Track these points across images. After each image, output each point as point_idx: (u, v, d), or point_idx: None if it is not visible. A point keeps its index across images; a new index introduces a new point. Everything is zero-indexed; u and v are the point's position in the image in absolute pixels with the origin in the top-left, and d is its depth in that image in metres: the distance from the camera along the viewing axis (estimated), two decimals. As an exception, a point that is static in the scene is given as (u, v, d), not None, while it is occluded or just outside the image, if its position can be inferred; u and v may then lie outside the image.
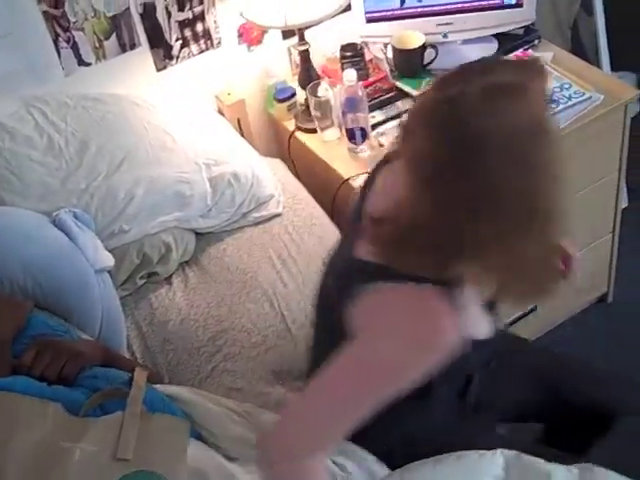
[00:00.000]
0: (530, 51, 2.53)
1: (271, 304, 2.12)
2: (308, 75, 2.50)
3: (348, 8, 2.48)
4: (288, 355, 1.99)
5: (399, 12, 2.58)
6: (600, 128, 2.34)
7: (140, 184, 2.20)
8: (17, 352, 1.59)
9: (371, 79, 2.52)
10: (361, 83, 2.37)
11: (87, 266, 1.99)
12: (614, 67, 3.15)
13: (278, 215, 2.36)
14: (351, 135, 2.36)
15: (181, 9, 2.46)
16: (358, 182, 2.27)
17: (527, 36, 2.56)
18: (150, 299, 2.17)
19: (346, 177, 2.32)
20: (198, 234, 2.30)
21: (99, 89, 2.38)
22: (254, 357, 2.00)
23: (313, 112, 2.43)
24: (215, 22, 2.53)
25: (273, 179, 2.41)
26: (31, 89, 2.33)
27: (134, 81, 2.46)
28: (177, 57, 2.52)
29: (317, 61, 2.56)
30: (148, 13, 2.42)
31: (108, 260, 2.08)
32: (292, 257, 2.24)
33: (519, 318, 2.62)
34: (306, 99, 2.49)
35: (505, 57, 2.38)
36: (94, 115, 2.30)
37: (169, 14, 2.45)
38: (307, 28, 2.44)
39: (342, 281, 1.42)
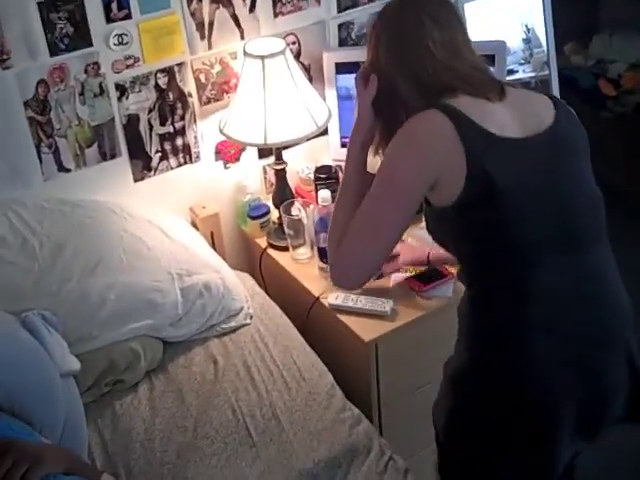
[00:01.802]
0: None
1: (233, 411, 2.10)
2: (282, 194, 2.56)
3: (326, 132, 2.58)
4: (249, 462, 1.97)
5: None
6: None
7: (113, 290, 2.21)
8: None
9: (344, 201, 2.58)
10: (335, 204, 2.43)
11: (53, 369, 1.96)
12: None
13: (246, 325, 2.37)
14: (323, 255, 2.40)
15: (163, 123, 2.54)
16: (329, 300, 2.31)
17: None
18: (114, 406, 2.13)
19: (317, 295, 2.35)
20: (167, 342, 2.29)
21: (77, 195, 2.42)
22: (214, 465, 1.97)
23: (286, 230, 2.48)
24: (195, 138, 2.61)
25: (243, 292, 2.43)
26: (10, 191, 2.36)
27: (112, 190, 2.50)
28: (155, 169, 2.58)
29: (291, 181, 2.63)
30: (131, 125, 2.49)
31: (74, 364, 2.06)
32: (256, 365, 2.23)
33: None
34: (279, 217, 2.54)
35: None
36: (71, 219, 2.33)
37: (151, 127, 2.52)
38: (285, 148, 2.52)
39: None
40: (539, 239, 1.64)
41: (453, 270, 2.32)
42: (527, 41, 3.23)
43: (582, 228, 1.69)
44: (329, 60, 2.64)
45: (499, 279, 1.68)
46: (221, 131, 2.50)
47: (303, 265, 2.49)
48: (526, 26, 3.21)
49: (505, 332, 1.69)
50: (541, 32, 3.21)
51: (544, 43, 3.20)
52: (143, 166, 2.56)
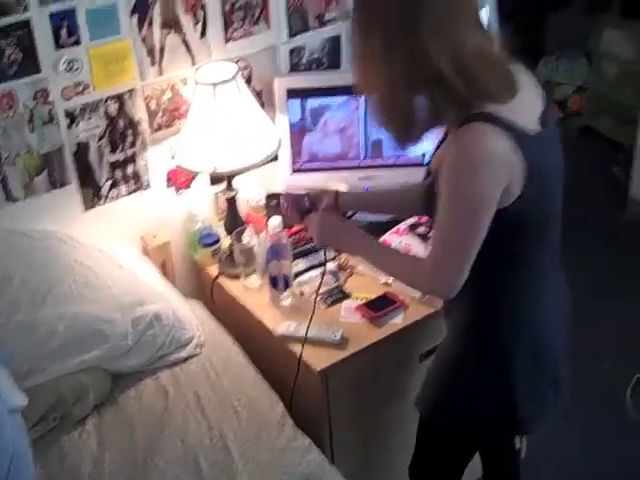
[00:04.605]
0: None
1: (183, 442, 2.09)
2: (234, 221, 2.57)
3: (275, 158, 2.58)
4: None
5: (324, 165, 2.70)
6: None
7: (62, 320, 2.19)
8: None
9: (295, 228, 2.60)
10: (285, 231, 2.44)
11: (0, 405, 1.94)
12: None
13: (197, 355, 2.36)
14: (274, 283, 2.41)
15: (113, 151, 2.52)
16: (280, 330, 2.31)
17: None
18: (62, 442, 2.10)
19: (267, 325, 2.36)
20: (116, 374, 2.27)
21: (26, 224, 2.39)
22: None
23: (237, 258, 2.48)
24: (146, 165, 2.60)
25: (194, 321, 2.42)
26: (-43, 222, 2.32)
27: (62, 218, 2.48)
28: (106, 197, 2.56)
29: (242, 208, 2.63)
30: (81, 152, 2.47)
31: (21, 400, 2.03)
32: (207, 395, 2.22)
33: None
34: (231, 245, 2.54)
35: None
36: (20, 249, 2.31)
37: (101, 155, 2.50)
38: (235, 175, 2.52)
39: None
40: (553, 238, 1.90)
41: (403, 297, 2.35)
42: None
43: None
44: (280, 86, 2.65)
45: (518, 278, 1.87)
46: (172, 158, 2.49)
47: (254, 293, 2.49)
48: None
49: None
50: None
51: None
52: (94, 194, 2.54)
